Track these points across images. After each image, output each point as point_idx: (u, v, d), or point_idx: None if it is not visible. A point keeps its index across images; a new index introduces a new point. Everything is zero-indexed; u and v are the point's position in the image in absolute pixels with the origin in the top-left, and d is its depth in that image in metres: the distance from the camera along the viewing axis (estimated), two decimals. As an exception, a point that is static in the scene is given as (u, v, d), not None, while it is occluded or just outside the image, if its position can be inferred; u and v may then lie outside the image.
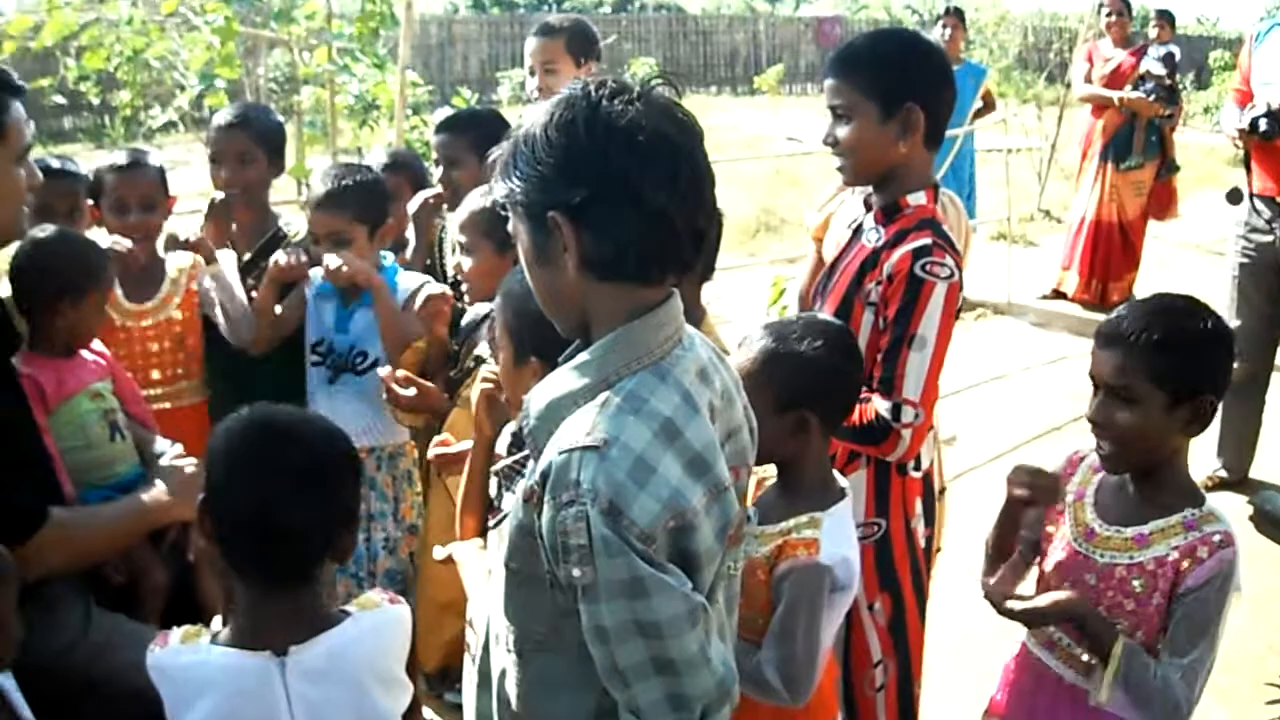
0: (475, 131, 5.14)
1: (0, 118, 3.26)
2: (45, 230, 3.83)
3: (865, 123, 3.66)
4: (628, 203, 2.24)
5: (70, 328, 3.86)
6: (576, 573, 2.21)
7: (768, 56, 38.22)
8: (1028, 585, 3.50)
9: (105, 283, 3.95)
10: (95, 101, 15.53)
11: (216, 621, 2.94)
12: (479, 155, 4.90)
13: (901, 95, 3.64)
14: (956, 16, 12.83)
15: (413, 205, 5.28)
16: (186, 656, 2.75)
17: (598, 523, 2.16)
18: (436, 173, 5.28)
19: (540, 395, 2.41)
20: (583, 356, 2.37)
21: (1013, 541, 3.49)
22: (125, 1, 11.42)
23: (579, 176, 2.24)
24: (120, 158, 4.78)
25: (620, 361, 2.32)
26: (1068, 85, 14.93)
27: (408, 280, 4.83)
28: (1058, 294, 12.19)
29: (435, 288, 4.71)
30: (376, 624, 2.87)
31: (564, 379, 2.38)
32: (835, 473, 3.50)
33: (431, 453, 3.88)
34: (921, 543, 3.96)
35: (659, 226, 2.28)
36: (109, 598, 3.65)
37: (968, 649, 5.44)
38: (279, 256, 4.82)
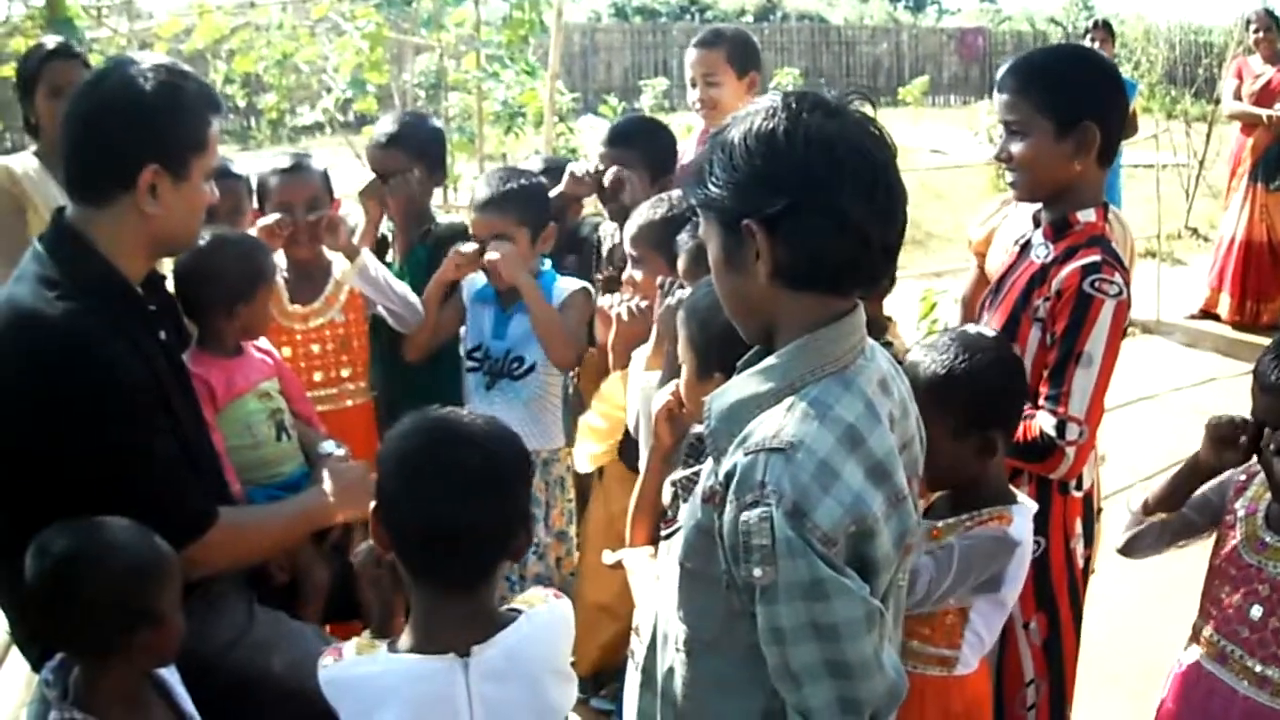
0: (645, 144, 5.15)
1: (203, 132, 3.33)
2: (209, 234, 3.86)
3: (1040, 139, 3.63)
4: (824, 215, 2.26)
5: (241, 327, 3.94)
6: (757, 573, 2.22)
7: (910, 68, 37.96)
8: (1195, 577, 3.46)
9: (271, 279, 4.01)
10: (241, 104, 15.82)
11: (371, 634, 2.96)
12: (648, 167, 4.92)
13: (1077, 112, 3.60)
14: (1105, 30, 12.65)
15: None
16: (365, 667, 2.76)
17: (781, 524, 2.17)
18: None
19: (723, 398, 2.42)
20: (768, 361, 2.39)
21: (1184, 496, 3.46)
22: (275, 6, 11.56)
23: (777, 186, 2.26)
24: (283, 161, 4.83)
25: (806, 368, 2.34)
26: (1216, 101, 14.68)
27: (565, 283, 4.84)
28: (1206, 313, 11.95)
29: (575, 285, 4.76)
30: (547, 620, 2.89)
31: (748, 383, 2.40)
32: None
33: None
34: (1080, 563, 3.91)
35: (853, 240, 2.29)
36: (271, 596, 3.71)
37: (1119, 670, 5.36)
38: (456, 249, 4.80)
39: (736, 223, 2.32)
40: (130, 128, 3.21)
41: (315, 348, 4.75)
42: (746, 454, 2.25)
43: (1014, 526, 3.27)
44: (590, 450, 4.43)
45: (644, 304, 4.28)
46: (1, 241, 5.43)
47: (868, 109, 2.37)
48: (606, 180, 5.03)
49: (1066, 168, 3.65)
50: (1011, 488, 3.48)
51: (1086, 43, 12.51)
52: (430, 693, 2.70)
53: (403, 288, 4.87)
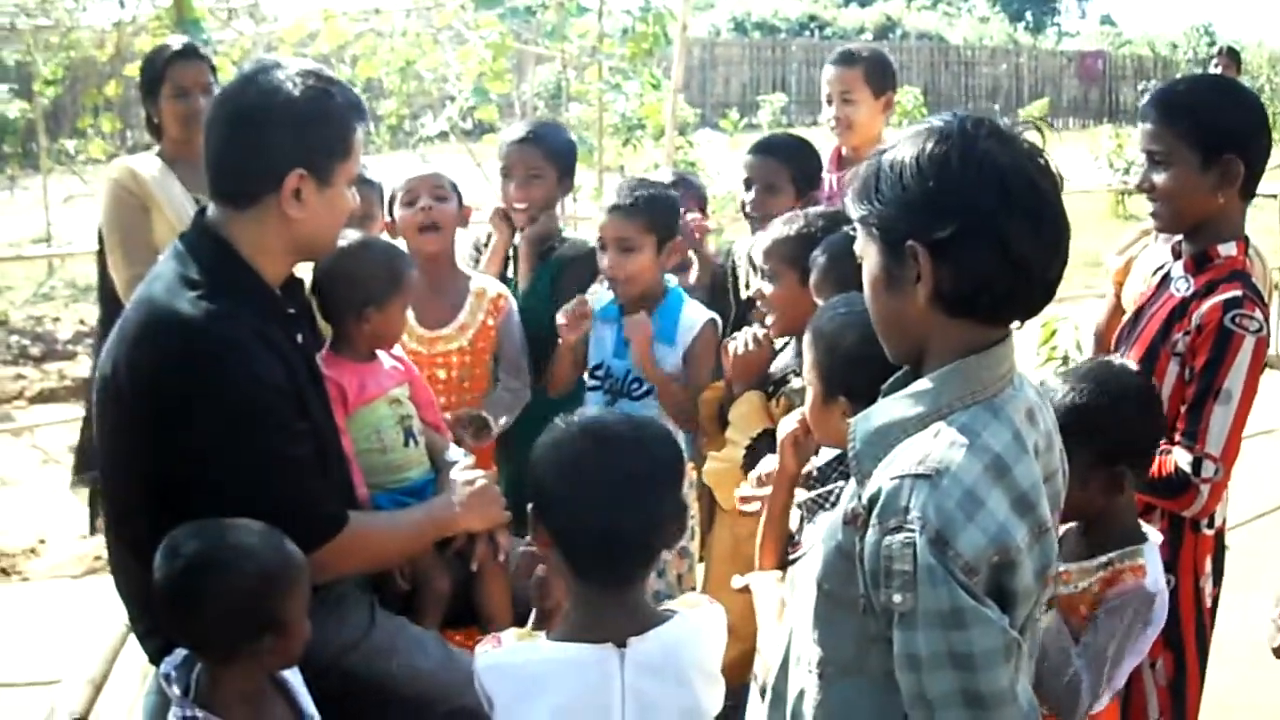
0: (795, 160, 5.11)
1: (348, 139, 3.36)
2: (349, 237, 3.88)
3: (1183, 170, 3.58)
4: (991, 244, 2.25)
5: (375, 333, 3.94)
6: (897, 599, 2.20)
7: (1030, 90, 37.74)
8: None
9: (405, 289, 4.00)
10: (362, 109, 15.91)
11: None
12: (794, 181, 4.90)
13: (1222, 145, 3.55)
14: (1231, 56, 12.52)
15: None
16: (525, 654, 2.79)
17: (924, 551, 2.16)
18: (746, 195, 5.18)
19: (869, 421, 2.41)
20: (918, 385, 2.37)
21: None
22: (400, 13, 11.66)
23: (947, 211, 2.24)
24: (417, 166, 4.86)
25: (955, 394, 2.32)
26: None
27: (692, 312, 4.79)
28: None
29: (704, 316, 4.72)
30: (702, 622, 2.90)
31: (895, 406, 2.38)
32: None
33: (739, 494, 3.88)
34: (1208, 602, 3.85)
35: (1017, 272, 2.27)
36: (391, 601, 3.73)
37: (1235, 703, 5.27)
38: (564, 311, 4.75)
39: (900, 243, 2.30)
40: (278, 132, 3.24)
41: (440, 373, 4.73)
42: (892, 478, 2.24)
43: (1149, 576, 3.22)
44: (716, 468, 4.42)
45: (761, 332, 4.28)
46: (127, 241, 5.50)
47: (1038, 139, 2.35)
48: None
49: (1209, 200, 3.60)
50: (1141, 522, 3.43)
51: (1211, 69, 12.37)
52: (586, 681, 2.73)
53: (516, 399, 4.92)
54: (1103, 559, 3.24)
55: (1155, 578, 3.23)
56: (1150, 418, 3.40)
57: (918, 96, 23.31)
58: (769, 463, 3.65)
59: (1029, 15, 62.45)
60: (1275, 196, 13.97)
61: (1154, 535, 3.37)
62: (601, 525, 2.70)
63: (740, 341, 4.32)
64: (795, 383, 4.03)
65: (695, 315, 4.76)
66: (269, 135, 3.24)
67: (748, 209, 5.16)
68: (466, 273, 4.93)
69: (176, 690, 2.93)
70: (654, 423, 2.96)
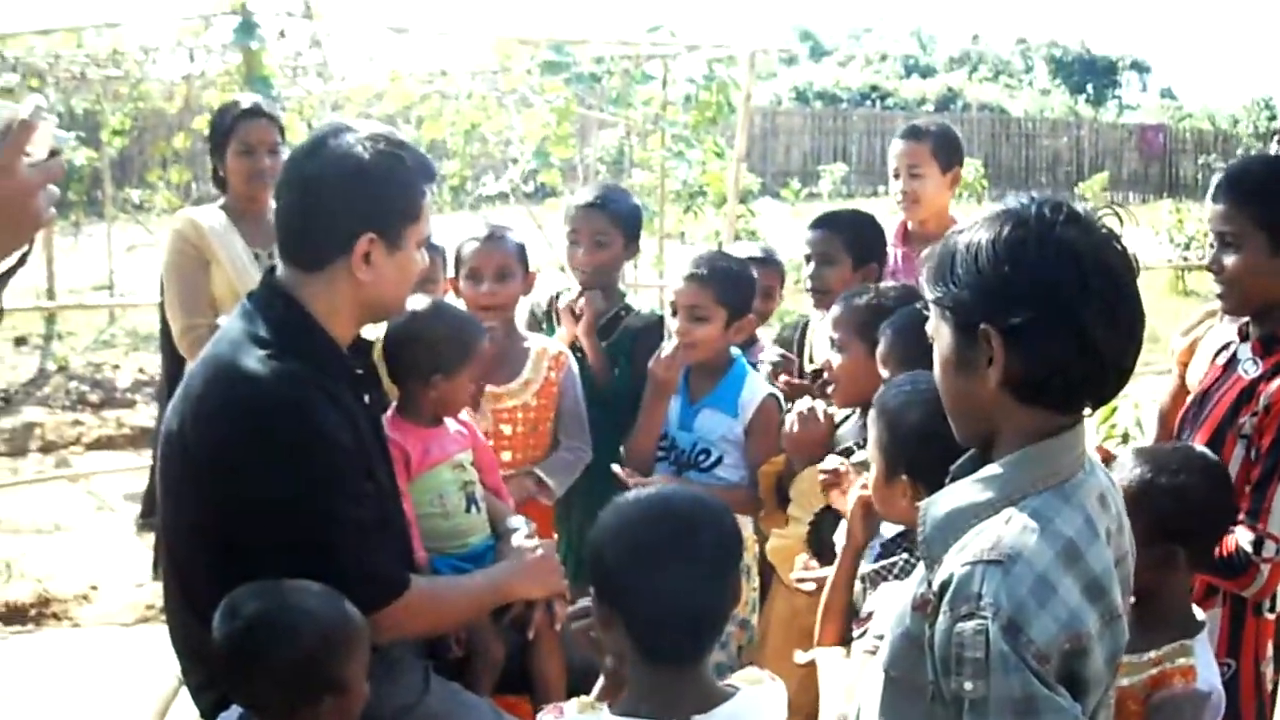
0: (851, 231, 5.14)
1: (418, 203, 3.38)
2: (422, 302, 3.91)
3: (1254, 253, 3.57)
4: (1066, 332, 2.24)
5: (441, 400, 3.93)
6: (968, 686, 2.18)
7: (1090, 162, 37.66)
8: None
9: (474, 360, 4.00)
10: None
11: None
12: (853, 255, 4.92)
13: None
14: (1300, 134, 12.43)
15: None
16: None
17: (996, 638, 2.14)
18: (806, 269, 5.21)
19: (939, 505, 2.39)
20: (989, 470, 2.35)
21: None
22: (466, 75, 11.74)
23: (1022, 297, 2.24)
24: (480, 230, 4.85)
25: (1027, 480, 2.30)
26: None
27: (754, 385, 4.78)
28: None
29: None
30: (764, 700, 2.84)
31: (966, 491, 2.36)
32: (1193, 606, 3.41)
33: (794, 576, 3.87)
34: (1269, 687, 3.82)
35: (1091, 359, 2.27)
36: (444, 666, 3.71)
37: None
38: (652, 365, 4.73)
39: (973, 326, 2.30)
40: (350, 196, 3.26)
41: (505, 428, 4.71)
42: (964, 565, 2.22)
43: (1200, 677, 3.19)
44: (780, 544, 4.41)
45: (820, 407, 4.29)
46: (184, 292, 5.57)
47: (1115, 225, 2.34)
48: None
49: (1278, 284, 3.59)
50: (1194, 608, 3.40)
51: (1274, 146, 12.31)
52: None
53: (577, 459, 4.91)
54: (1152, 654, 3.20)
55: (1206, 676, 3.20)
56: (1212, 499, 3.36)
57: (979, 168, 23.36)
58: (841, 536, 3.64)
59: (1090, 88, 62.44)
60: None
61: (1206, 620, 3.34)
62: (674, 604, 2.65)
63: (794, 418, 4.34)
64: (858, 455, 4.02)
65: (757, 389, 4.75)
66: (339, 199, 3.26)
67: (808, 282, 5.19)
68: (524, 333, 4.94)
69: None
70: (714, 499, 2.92)
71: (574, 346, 5.09)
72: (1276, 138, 12.34)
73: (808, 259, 5.20)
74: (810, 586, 3.80)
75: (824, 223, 5.26)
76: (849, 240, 5.06)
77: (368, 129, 3.36)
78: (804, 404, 4.34)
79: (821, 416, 4.29)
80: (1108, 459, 3.58)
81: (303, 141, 3.55)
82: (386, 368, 3.95)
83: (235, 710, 3.07)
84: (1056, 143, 39.70)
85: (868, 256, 5.10)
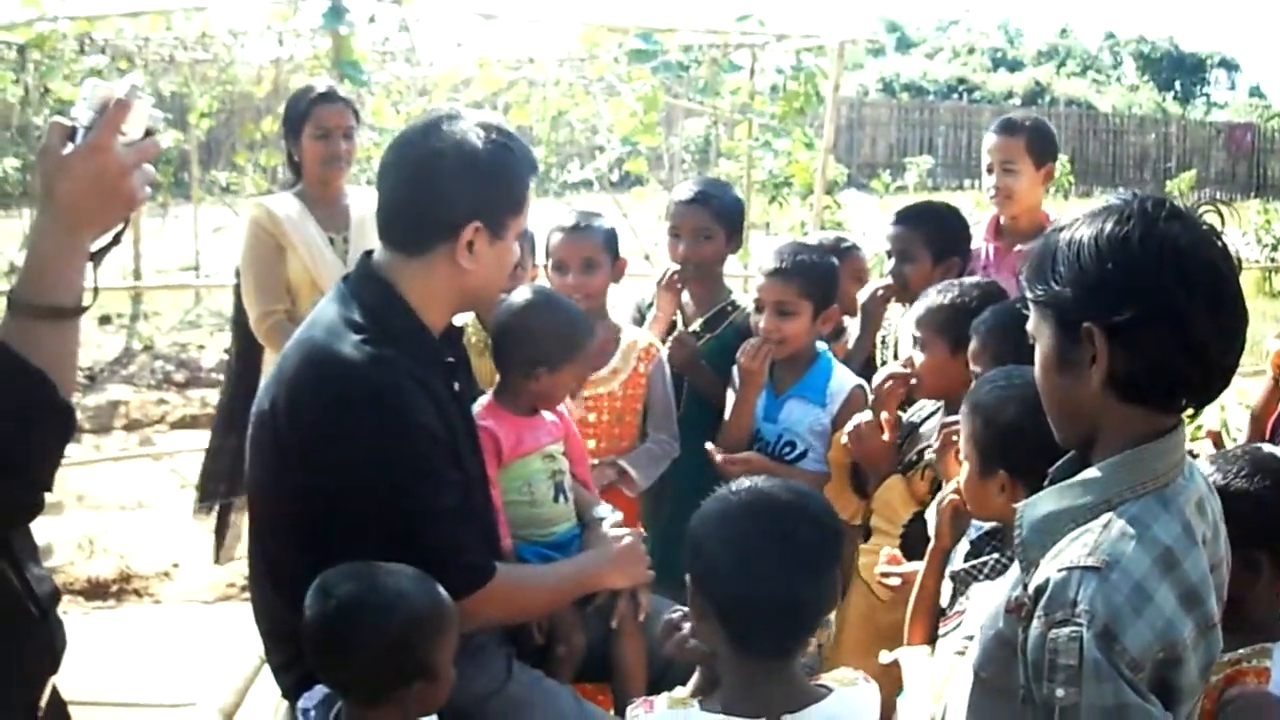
0: (931, 226, 5.13)
1: (523, 194, 3.41)
2: (536, 292, 3.95)
3: None
4: (1170, 330, 2.22)
5: (542, 393, 3.93)
6: (1061, 693, 2.16)
7: (1178, 160, 37.31)
8: None
9: (580, 355, 3.99)
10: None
11: (682, 691, 2.94)
12: (932, 251, 4.91)
13: None
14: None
15: (863, 294, 5.22)
16: None
17: (1091, 646, 2.12)
18: (888, 264, 5.20)
19: (1037, 508, 2.37)
20: (1089, 473, 2.33)
21: None
22: (554, 62, 11.75)
23: (1126, 295, 2.22)
24: (569, 218, 4.84)
25: (1127, 484, 2.28)
26: None
27: (841, 377, 4.77)
28: None
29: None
30: (856, 700, 2.84)
31: (1065, 494, 2.35)
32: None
33: (879, 570, 3.85)
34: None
35: (1195, 357, 2.25)
36: (526, 654, 3.72)
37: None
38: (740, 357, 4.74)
39: (1075, 324, 2.28)
40: (461, 184, 3.27)
41: (591, 416, 4.71)
42: (1060, 570, 2.21)
43: (1275, 680, 3.14)
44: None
45: (871, 418, 4.29)
46: (261, 279, 5.64)
47: (1216, 222, 2.31)
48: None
49: None
50: (1277, 615, 3.36)
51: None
52: None
53: (664, 452, 4.90)
54: (1231, 656, 3.17)
55: None
56: None
57: (1065, 164, 23.18)
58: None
59: (1178, 85, 61.89)
60: None
61: None
62: (772, 597, 2.65)
63: (852, 430, 4.33)
64: (929, 455, 4.00)
65: (844, 379, 4.75)
66: (450, 186, 3.26)
67: (889, 280, 5.18)
68: (618, 324, 4.93)
69: None
70: (814, 492, 2.92)
71: (670, 331, 5.12)
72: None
73: (888, 255, 5.20)
74: (895, 582, 3.78)
75: (904, 218, 5.26)
76: (929, 235, 5.05)
77: (478, 117, 3.38)
78: (861, 417, 4.32)
79: (883, 427, 4.27)
80: (1218, 443, 3.53)
81: (411, 125, 3.55)
82: (493, 355, 3.97)
83: (319, 690, 3.07)
84: (1144, 140, 39.38)
85: (949, 251, 5.08)
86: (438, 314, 3.38)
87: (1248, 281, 18.34)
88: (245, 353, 6.03)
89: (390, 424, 3.15)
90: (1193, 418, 7.37)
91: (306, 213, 5.73)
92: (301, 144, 5.82)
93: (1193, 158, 37.88)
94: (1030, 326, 2.45)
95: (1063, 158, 23.56)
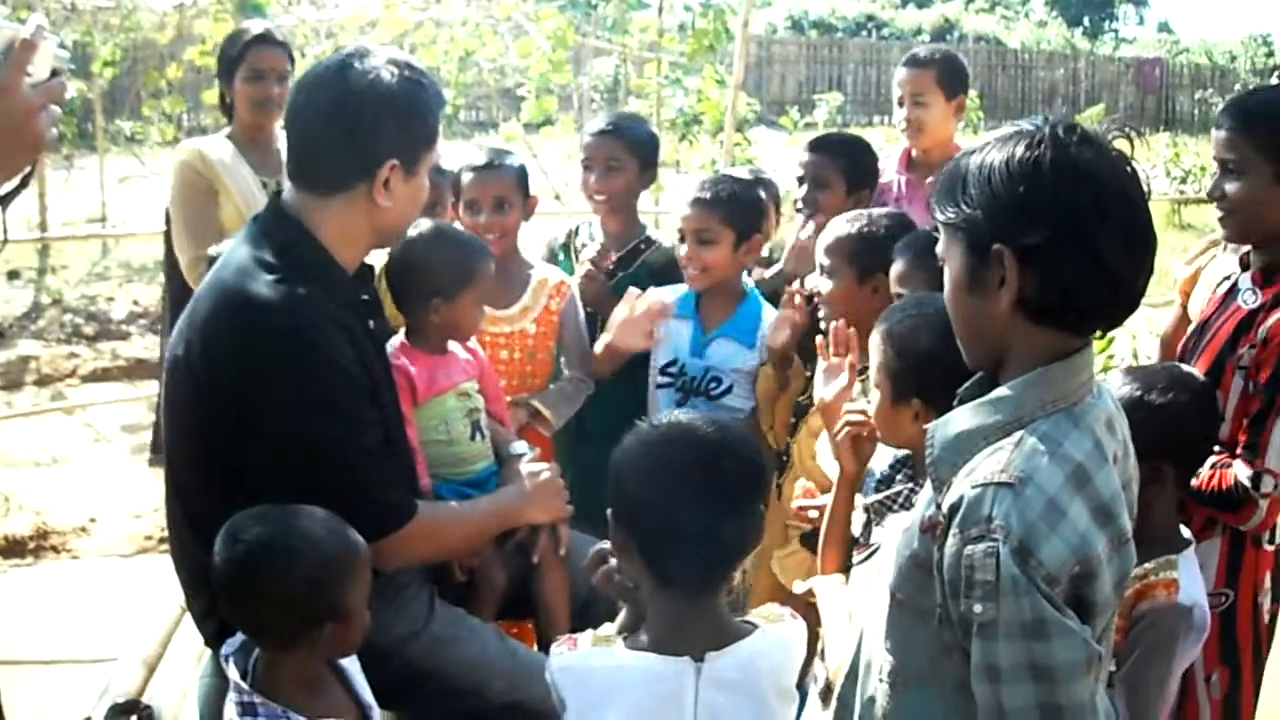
0: (847, 156, 5.14)
1: (434, 128, 3.41)
2: (422, 226, 3.90)
3: (1257, 181, 3.55)
4: (1081, 254, 2.23)
5: (444, 325, 3.91)
6: (977, 609, 2.18)
7: (1086, 95, 37.53)
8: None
9: (477, 283, 3.95)
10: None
11: (608, 628, 2.96)
12: (847, 180, 4.91)
13: None
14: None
15: (806, 232, 5.05)
16: (600, 660, 2.75)
17: (1007, 560, 2.14)
18: (800, 190, 5.20)
19: (948, 428, 2.39)
20: (999, 392, 2.35)
21: None
22: (460, 2, 11.66)
23: (1038, 218, 2.22)
24: (479, 157, 4.82)
25: (1037, 402, 2.30)
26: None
27: (773, 315, 4.71)
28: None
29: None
30: (782, 637, 2.86)
31: (975, 413, 2.36)
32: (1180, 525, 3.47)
33: (795, 504, 3.86)
34: (1266, 618, 3.84)
35: (1106, 282, 2.26)
36: (448, 592, 3.73)
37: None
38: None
39: (986, 246, 2.28)
40: (377, 123, 3.25)
41: (504, 354, 4.69)
42: (974, 487, 2.22)
43: (1183, 591, 3.23)
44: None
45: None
46: (193, 223, 5.58)
47: (1126, 147, 2.33)
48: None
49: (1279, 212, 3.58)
50: (1182, 528, 3.44)
51: (1275, 80, 12.30)
52: (660, 692, 2.70)
53: (578, 391, 4.90)
54: (1138, 570, 3.22)
55: (1189, 590, 3.25)
56: (1198, 415, 3.42)
57: (974, 100, 23.26)
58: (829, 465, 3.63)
59: (1086, 20, 62.13)
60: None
61: (1191, 555, 3.38)
62: (693, 530, 2.65)
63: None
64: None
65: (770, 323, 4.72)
66: (367, 125, 3.24)
67: (799, 203, 5.19)
68: (529, 261, 4.93)
69: (234, 675, 2.93)
70: (737, 425, 2.95)
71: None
72: (1277, 73, 12.31)
73: (800, 181, 5.19)
74: (814, 514, 3.80)
75: (821, 146, 5.26)
76: (844, 165, 5.06)
77: (388, 54, 3.35)
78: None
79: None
80: None
81: (320, 66, 3.50)
82: (391, 295, 3.94)
83: (240, 637, 3.06)
84: (1053, 75, 39.53)
85: (862, 183, 5.12)
86: (351, 252, 3.37)
87: (1158, 214, 18.39)
88: (178, 298, 5.92)
89: (307, 363, 3.14)
90: (1104, 348, 7.47)
91: (239, 156, 5.67)
92: (235, 86, 5.74)
93: (1101, 93, 38.06)
94: (939, 249, 2.45)
95: (972, 93, 23.73)
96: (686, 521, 2.65)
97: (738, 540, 2.75)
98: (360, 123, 3.24)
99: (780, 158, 14.55)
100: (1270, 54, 43.84)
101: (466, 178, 4.77)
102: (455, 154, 4.99)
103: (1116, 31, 64.83)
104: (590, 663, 2.76)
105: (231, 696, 2.92)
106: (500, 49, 11.62)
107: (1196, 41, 52.49)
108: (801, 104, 30.06)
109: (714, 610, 2.78)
